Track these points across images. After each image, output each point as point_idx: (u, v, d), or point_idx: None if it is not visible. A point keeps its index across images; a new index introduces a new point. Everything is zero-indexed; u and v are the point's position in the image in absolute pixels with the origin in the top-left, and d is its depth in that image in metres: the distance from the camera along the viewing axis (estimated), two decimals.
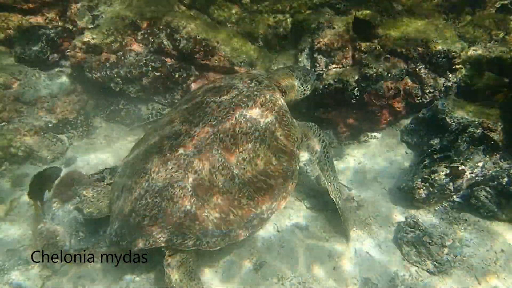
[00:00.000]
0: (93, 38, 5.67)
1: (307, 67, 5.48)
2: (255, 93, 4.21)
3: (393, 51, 5.04)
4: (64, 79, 6.25)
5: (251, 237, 4.15)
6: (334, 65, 5.32)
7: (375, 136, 5.57)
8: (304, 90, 4.92)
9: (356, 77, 5.03)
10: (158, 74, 5.56)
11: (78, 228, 4.09)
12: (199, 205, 3.65)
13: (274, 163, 3.98)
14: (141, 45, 5.70)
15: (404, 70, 5.04)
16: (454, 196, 4.40)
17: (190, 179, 3.68)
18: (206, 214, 3.65)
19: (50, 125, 5.70)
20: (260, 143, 3.95)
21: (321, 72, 5.32)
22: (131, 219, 3.66)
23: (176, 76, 5.57)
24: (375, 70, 4.94)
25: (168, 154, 3.83)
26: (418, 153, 5.16)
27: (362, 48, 5.13)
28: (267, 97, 4.23)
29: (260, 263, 4.06)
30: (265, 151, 3.96)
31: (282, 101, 4.38)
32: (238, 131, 3.92)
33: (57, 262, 4.11)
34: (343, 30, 5.35)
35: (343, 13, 5.79)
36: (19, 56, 6.15)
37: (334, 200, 4.21)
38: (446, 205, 4.46)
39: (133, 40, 5.68)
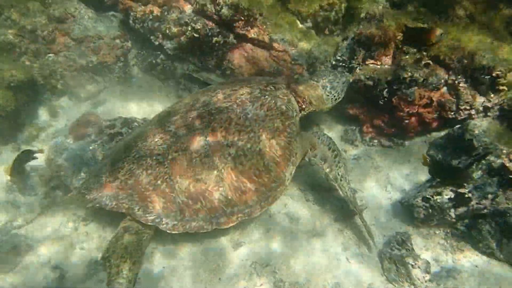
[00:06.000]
0: None
1: (333, 71, 5.18)
2: (267, 96, 4.13)
3: (435, 57, 4.67)
4: (114, 23, 6.46)
5: None
6: (372, 61, 5.04)
7: (401, 143, 5.27)
8: (335, 97, 4.78)
9: (389, 78, 4.74)
10: (196, 35, 5.57)
11: (81, 168, 4.32)
12: (170, 184, 3.69)
13: (260, 169, 3.87)
14: (187, 3, 5.72)
15: (442, 80, 4.67)
16: (459, 223, 4.12)
17: (170, 156, 3.73)
18: (174, 195, 3.69)
19: (90, 65, 5.96)
20: (251, 144, 3.86)
21: (356, 65, 5.07)
22: (104, 177, 3.81)
23: (213, 41, 5.55)
24: (410, 74, 4.62)
25: (159, 128, 3.93)
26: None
27: (404, 49, 4.80)
28: (277, 104, 4.13)
29: (239, 243, 4.10)
30: (254, 154, 3.85)
31: (293, 113, 4.26)
32: (233, 126, 3.86)
33: (58, 194, 4.42)
34: (391, 25, 5.00)
35: (398, 7, 5.41)
36: None
37: (357, 212, 4.13)
38: (448, 230, 4.20)
39: None
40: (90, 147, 4.43)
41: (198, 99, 4.16)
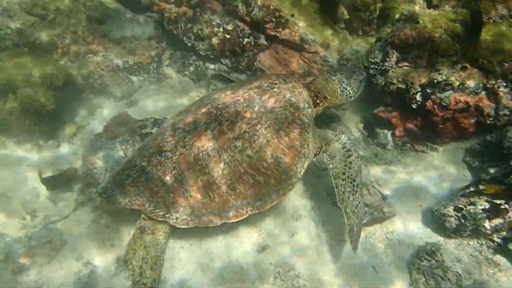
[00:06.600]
0: None
1: (355, 66, 5.11)
2: (275, 89, 4.07)
3: (474, 60, 4.46)
4: (150, 24, 6.59)
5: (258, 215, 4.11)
6: (405, 63, 4.89)
7: (435, 148, 5.08)
8: (350, 93, 4.66)
9: (423, 81, 4.58)
10: (228, 36, 5.61)
11: (113, 167, 4.46)
12: (178, 179, 3.74)
13: (269, 161, 3.81)
14: (219, 4, 5.76)
15: (481, 85, 4.46)
16: (494, 235, 3.94)
17: (178, 152, 3.78)
18: (182, 190, 3.73)
19: (126, 65, 6.13)
20: (258, 136, 3.81)
21: (389, 68, 4.93)
22: (118, 176, 3.92)
23: (244, 42, 5.57)
24: (444, 77, 4.45)
25: (169, 126, 4.01)
26: (475, 177, 4.65)
27: (440, 50, 4.61)
28: (287, 96, 4.05)
29: (264, 246, 4.10)
30: (262, 146, 3.80)
31: (304, 104, 4.13)
32: (239, 119, 3.84)
33: (92, 191, 4.57)
34: (426, 26, 4.83)
35: (435, 7, 5.20)
36: None
37: (348, 226, 3.84)
38: (483, 242, 4.02)
39: None
40: (122, 147, 4.56)
41: (209, 96, 4.21)
